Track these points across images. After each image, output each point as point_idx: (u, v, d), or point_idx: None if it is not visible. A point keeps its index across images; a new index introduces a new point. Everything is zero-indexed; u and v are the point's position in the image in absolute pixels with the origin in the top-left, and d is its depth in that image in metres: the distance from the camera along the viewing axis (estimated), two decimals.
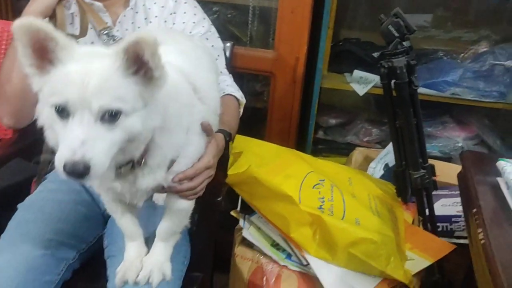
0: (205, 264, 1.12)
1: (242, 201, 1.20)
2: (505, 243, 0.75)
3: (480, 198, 0.84)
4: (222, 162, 1.07)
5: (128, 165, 0.76)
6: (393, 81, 1.16)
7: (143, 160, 0.77)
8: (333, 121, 1.71)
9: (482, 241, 0.75)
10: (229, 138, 1.03)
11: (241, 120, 1.14)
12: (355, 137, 1.70)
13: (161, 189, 0.86)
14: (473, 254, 0.85)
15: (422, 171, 1.18)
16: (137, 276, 0.92)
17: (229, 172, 1.13)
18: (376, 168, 1.47)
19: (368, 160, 1.50)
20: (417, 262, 1.08)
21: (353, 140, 1.70)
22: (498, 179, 0.92)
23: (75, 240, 1.01)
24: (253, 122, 1.63)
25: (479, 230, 0.77)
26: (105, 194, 0.89)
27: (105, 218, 1.08)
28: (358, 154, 1.54)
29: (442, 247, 1.10)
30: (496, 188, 0.89)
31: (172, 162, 0.82)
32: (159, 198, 1.02)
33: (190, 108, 0.84)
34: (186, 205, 0.93)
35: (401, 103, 1.16)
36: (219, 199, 1.10)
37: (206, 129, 0.88)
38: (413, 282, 1.03)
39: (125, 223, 0.93)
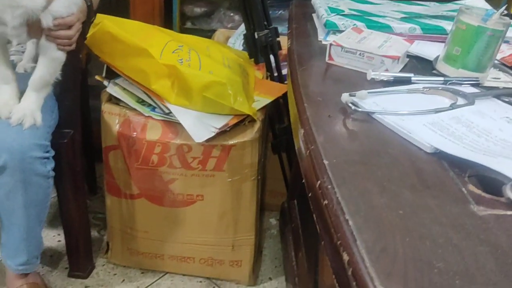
0: (73, 121, 1.22)
1: (107, 67, 1.30)
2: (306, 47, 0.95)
3: (295, 22, 1.03)
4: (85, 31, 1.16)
5: None
6: None
7: None
8: (198, 10, 1.83)
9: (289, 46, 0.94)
10: (90, 3, 1.10)
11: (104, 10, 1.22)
12: (220, 24, 1.84)
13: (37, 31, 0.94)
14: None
15: (266, 30, 1.37)
16: (10, 114, 1.01)
17: (88, 35, 1.21)
18: (236, 44, 1.64)
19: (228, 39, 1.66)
20: (261, 101, 1.29)
21: (218, 27, 1.84)
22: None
23: None
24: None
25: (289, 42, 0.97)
26: None
27: None
28: (219, 34, 1.69)
29: (281, 88, 1.32)
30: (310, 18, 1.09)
31: None
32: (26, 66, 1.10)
33: None
34: (60, 55, 1.04)
35: None
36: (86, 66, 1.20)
37: None
38: (257, 114, 1.24)
39: None
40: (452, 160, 0.57)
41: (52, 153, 1.10)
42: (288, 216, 1.38)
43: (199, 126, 1.21)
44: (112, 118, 1.24)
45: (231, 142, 1.21)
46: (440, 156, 0.59)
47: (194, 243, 1.34)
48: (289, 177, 1.54)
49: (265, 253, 1.51)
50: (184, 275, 1.39)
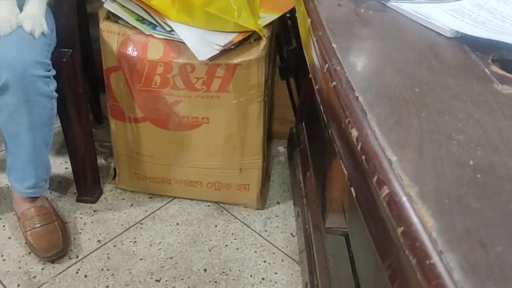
0: (72, 40, 1.17)
1: None
2: None
3: None
4: None
5: None
6: None
7: None
8: None
9: None
10: None
11: None
12: None
13: None
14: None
15: None
16: (11, 30, 0.97)
17: None
18: None
19: None
20: (267, 18, 1.22)
21: None
22: None
23: None
24: None
25: None
26: None
27: None
28: None
29: (289, 3, 1.24)
30: None
31: None
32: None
33: None
34: None
35: None
36: None
37: None
38: (263, 31, 1.17)
39: None
40: (474, 44, 0.52)
41: (54, 72, 1.06)
42: (296, 140, 1.35)
43: (202, 44, 1.16)
44: (111, 37, 1.19)
45: (236, 60, 1.16)
46: (461, 40, 0.53)
47: (201, 167, 1.32)
48: (298, 103, 1.50)
49: (273, 179, 1.49)
50: (192, 199, 1.39)
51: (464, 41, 0.53)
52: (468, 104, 0.42)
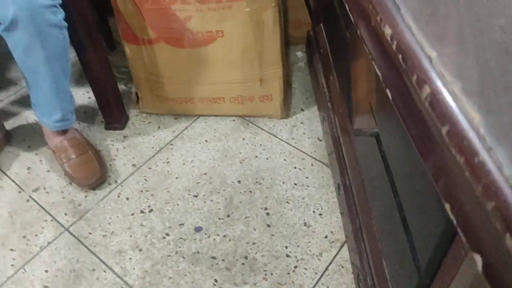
0: None
1: None
2: None
3: None
4: None
5: None
6: None
7: None
8: None
9: None
10: None
11: None
12: None
13: None
14: None
15: None
16: None
17: None
18: None
19: None
20: None
21: None
22: None
23: None
24: None
25: None
26: None
27: None
28: None
29: None
30: None
31: None
32: None
33: None
34: None
35: None
36: None
37: None
38: None
39: None
40: None
41: (59, 0, 1.03)
42: (315, 43, 1.31)
43: None
44: None
45: None
46: None
47: (222, 83, 1.31)
48: (312, 3, 1.43)
49: (295, 87, 1.48)
50: (216, 115, 1.40)
51: None
52: None
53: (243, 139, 1.33)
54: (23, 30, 0.97)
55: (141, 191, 1.22)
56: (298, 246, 1.09)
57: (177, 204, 1.19)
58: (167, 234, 1.13)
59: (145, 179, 1.25)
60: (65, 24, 1.05)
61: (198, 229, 1.14)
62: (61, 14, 1.03)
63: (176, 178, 1.25)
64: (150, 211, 1.17)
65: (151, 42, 1.25)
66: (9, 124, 1.38)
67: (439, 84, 0.31)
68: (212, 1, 1.14)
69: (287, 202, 1.17)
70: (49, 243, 1.11)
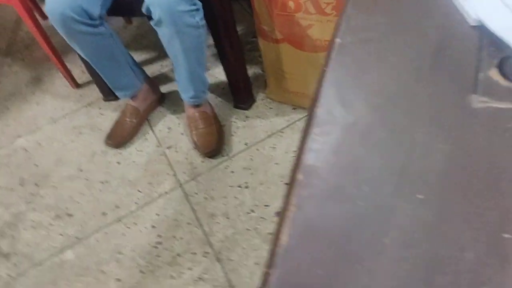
0: None
1: None
2: None
3: None
4: None
5: None
6: None
7: None
8: None
9: None
10: None
11: None
12: None
13: None
14: None
15: None
16: None
17: None
18: None
19: None
20: None
21: None
22: None
23: None
24: None
25: None
26: None
27: None
28: None
29: None
30: None
31: None
32: None
33: None
34: None
35: None
36: None
37: None
38: None
39: None
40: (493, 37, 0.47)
41: (199, 4, 1.24)
42: None
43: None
44: None
45: None
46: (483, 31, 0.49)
47: None
48: None
49: None
50: None
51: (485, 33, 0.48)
52: None
53: None
54: (166, 27, 1.22)
55: (245, 168, 1.43)
56: None
57: (269, 187, 1.36)
58: (252, 211, 1.32)
59: (251, 159, 1.45)
60: (202, 23, 1.26)
61: (278, 214, 1.30)
62: (199, 16, 1.24)
63: (276, 163, 1.41)
64: (246, 187, 1.38)
65: (277, 41, 1.39)
66: (164, 88, 1.72)
67: None
68: (331, 14, 1.22)
69: None
70: (166, 193, 1.42)
